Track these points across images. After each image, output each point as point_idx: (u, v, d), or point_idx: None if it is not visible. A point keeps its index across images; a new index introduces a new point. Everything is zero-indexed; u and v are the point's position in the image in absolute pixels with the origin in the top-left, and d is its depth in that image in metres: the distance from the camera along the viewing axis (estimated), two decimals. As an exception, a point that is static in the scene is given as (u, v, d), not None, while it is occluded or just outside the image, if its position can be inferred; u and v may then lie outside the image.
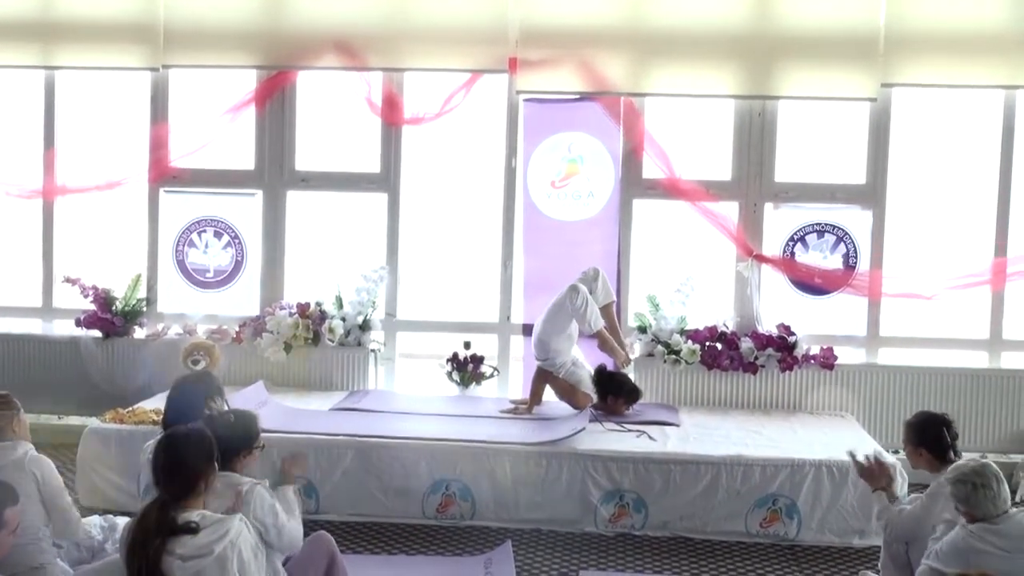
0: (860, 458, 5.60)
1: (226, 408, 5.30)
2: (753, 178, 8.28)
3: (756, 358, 8.05)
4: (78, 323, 8.54)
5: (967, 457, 5.05)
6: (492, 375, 8.35)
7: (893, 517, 5.29)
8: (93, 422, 7.11)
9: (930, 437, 5.31)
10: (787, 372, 8.05)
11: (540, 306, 7.88)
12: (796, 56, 8.04)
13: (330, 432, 6.90)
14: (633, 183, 8.34)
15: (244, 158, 8.63)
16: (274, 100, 8.55)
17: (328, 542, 4.96)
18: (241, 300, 8.64)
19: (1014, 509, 4.71)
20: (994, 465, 4.77)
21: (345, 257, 8.66)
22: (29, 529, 4.81)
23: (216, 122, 8.51)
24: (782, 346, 8.04)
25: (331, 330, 8.28)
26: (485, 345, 8.43)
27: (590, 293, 7.51)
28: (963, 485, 4.68)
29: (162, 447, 4.32)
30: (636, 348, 8.21)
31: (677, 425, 7.30)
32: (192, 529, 4.07)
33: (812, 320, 8.19)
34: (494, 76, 8.32)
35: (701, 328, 8.15)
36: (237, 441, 4.76)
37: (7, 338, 8.65)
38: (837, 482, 6.51)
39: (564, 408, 7.68)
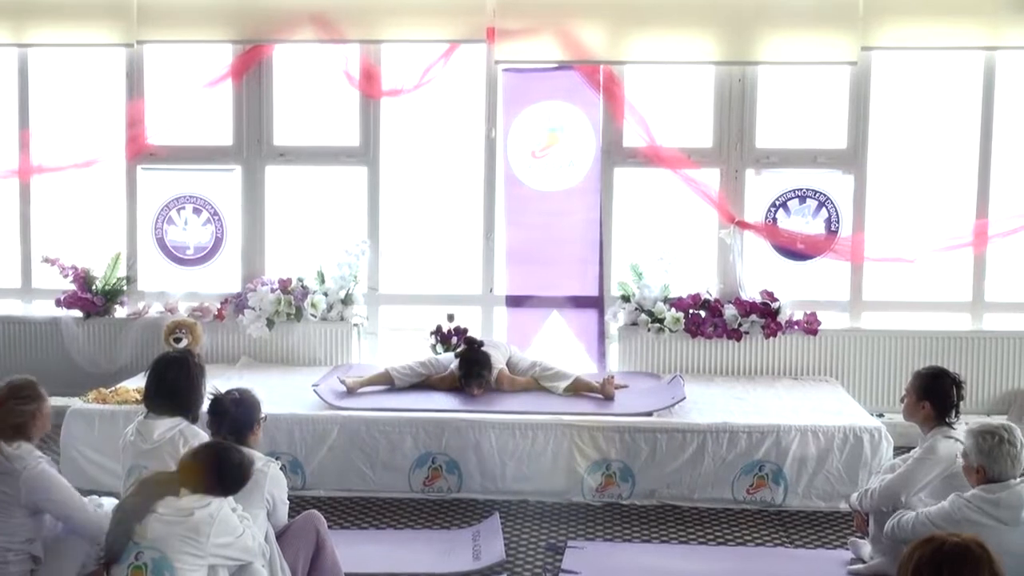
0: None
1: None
2: (734, 144, 8.25)
3: (740, 325, 8.05)
4: (58, 303, 8.48)
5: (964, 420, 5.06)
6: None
7: (875, 489, 5.26)
8: (76, 403, 7.07)
9: (939, 391, 5.26)
10: (771, 338, 8.06)
11: (523, 276, 7.80)
12: (776, 21, 7.99)
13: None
14: (614, 151, 8.31)
15: (222, 134, 8.56)
16: (251, 74, 8.46)
17: (317, 519, 4.97)
18: (222, 277, 8.59)
19: (1015, 480, 4.63)
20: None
21: (326, 231, 8.62)
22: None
23: (192, 98, 8.43)
24: (766, 312, 8.04)
25: (313, 305, 8.26)
26: (469, 317, 8.40)
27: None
28: (991, 436, 4.61)
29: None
30: (620, 317, 8.20)
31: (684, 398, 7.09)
32: (175, 492, 4.19)
33: (795, 286, 8.19)
34: (472, 46, 8.25)
35: (684, 296, 8.14)
36: (246, 416, 4.90)
37: (-13, 320, 8.59)
38: (823, 447, 6.52)
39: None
